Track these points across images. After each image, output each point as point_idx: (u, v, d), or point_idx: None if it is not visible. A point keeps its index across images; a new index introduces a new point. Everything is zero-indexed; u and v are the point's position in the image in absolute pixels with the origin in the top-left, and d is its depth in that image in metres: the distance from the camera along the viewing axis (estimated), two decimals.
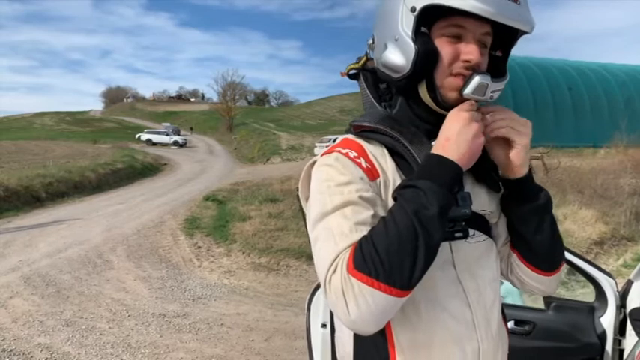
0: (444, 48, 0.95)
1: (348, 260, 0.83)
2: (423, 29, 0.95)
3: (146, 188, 17.51)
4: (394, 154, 1.00)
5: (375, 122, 1.01)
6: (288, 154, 31.00)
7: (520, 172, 0.99)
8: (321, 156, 1.01)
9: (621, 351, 2.11)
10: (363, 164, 0.96)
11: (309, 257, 7.99)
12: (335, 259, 0.85)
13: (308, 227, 0.98)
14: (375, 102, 1.08)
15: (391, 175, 0.98)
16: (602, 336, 2.08)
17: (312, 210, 0.95)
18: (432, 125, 1.01)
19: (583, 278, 2.27)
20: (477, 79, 0.94)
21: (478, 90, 0.94)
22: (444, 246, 0.97)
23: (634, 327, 2.01)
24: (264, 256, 8.14)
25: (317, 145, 29.56)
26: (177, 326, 5.30)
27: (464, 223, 0.99)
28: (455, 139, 0.91)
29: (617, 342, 2.11)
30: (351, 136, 1.05)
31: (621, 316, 2.15)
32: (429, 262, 0.84)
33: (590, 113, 24.99)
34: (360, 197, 0.90)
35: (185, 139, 43.22)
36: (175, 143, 40.83)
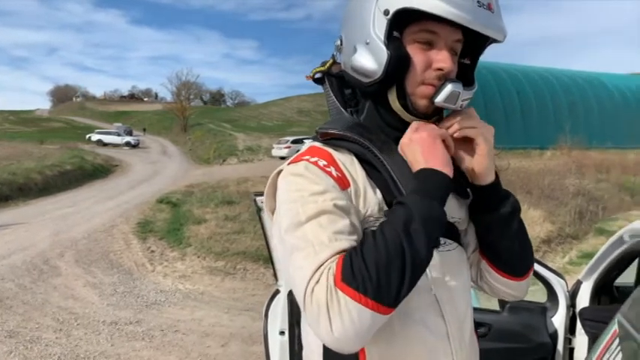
0: (416, 55, 0.93)
1: (336, 273, 0.79)
2: (395, 34, 0.93)
3: (97, 190, 16.91)
4: (363, 162, 0.96)
5: (343, 129, 0.98)
6: (245, 155, 30.71)
7: (487, 178, 0.99)
8: (288, 164, 0.96)
9: (572, 350, 2.17)
10: (334, 173, 0.92)
11: (267, 260, 7.93)
12: (317, 270, 0.80)
13: (276, 238, 0.94)
14: (341, 108, 1.05)
15: (361, 183, 0.94)
16: (554, 335, 2.14)
17: (283, 220, 0.89)
18: (401, 132, 0.98)
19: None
20: (449, 88, 0.93)
21: (450, 98, 0.94)
22: None
23: (583, 326, 2.08)
24: (221, 260, 8.00)
25: (275, 146, 29.44)
26: (129, 334, 5.12)
27: None
28: (416, 152, 0.91)
29: (568, 341, 2.17)
30: (318, 144, 1.01)
31: (571, 315, 2.21)
32: (417, 278, 0.82)
33: (537, 116, 25.96)
34: (335, 206, 0.87)
35: (138, 140, 42.08)
36: (127, 144, 39.67)
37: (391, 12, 0.89)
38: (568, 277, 2.40)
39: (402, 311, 0.90)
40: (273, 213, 1.01)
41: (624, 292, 2.09)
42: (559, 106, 26.80)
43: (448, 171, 0.89)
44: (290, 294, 2.33)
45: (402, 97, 0.96)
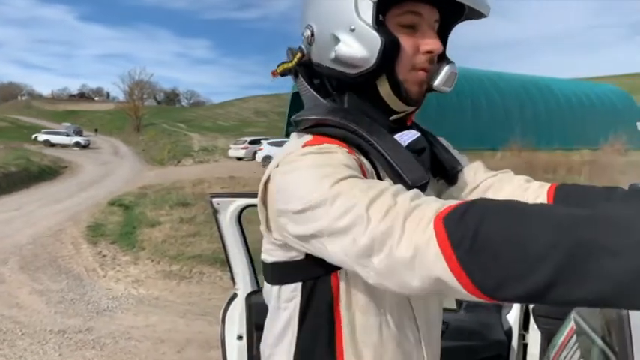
0: (404, 39, 0.86)
1: (444, 209, 0.61)
2: (380, 17, 0.85)
3: (44, 193, 16.18)
4: (355, 148, 0.87)
5: (326, 114, 0.89)
6: (200, 156, 30.19)
7: None
8: (303, 146, 0.84)
9: (525, 345, 2.23)
10: (356, 158, 0.82)
11: (224, 263, 7.73)
12: (375, 198, 0.67)
13: (289, 216, 0.79)
14: (317, 96, 0.95)
15: (369, 173, 0.86)
16: (509, 332, 2.18)
17: (309, 185, 0.75)
18: (386, 121, 0.93)
19: None
20: (447, 69, 0.90)
21: (448, 80, 0.90)
22: None
23: (536, 322, 2.13)
24: (176, 264, 7.80)
25: (232, 146, 29.11)
26: (79, 343, 4.91)
27: None
28: None
29: (522, 337, 2.22)
30: (309, 137, 0.89)
31: (524, 311, 2.27)
32: (546, 290, 0.52)
33: (488, 118, 26.78)
34: (364, 181, 0.75)
35: (88, 140, 40.73)
36: (77, 144, 38.31)
37: None
38: None
39: (379, 313, 0.88)
40: (264, 205, 0.88)
41: None
42: (509, 109, 27.73)
43: None
44: (248, 298, 2.29)
45: (394, 84, 0.88)
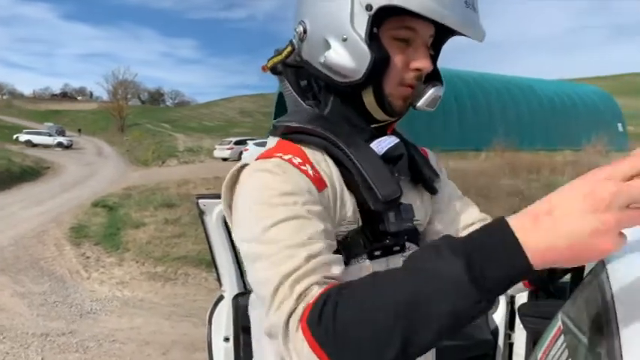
0: (395, 54, 0.86)
1: (306, 309, 0.66)
2: (374, 30, 0.84)
3: (26, 194, 15.91)
4: (332, 158, 0.88)
5: (305, 122, 0.89)
6: (185, 157, 29.98)
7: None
8: (256, 159, 0.85)
9: (511, 345, 2.25)
10: (310, 172, 0.82)
11: (209, 265, 7.75)
12: (280, 284, 0.70)
13: (238, 239, 0.83)
14: (300, 100, 0.95)
15: (338, 184, 0.86)
16: (495, 332, 2.20)
17: (244, 224, 0.80)
18: (368, 128, 0.93)
19: None
20: (431, 92, 0.90)
21: (431, 103, 0.90)
22: (381, 262, 0.90)
23: (522, 322, 2.15)
24: (161, 265, 7.74)
25: (217, 147, 28.98)
26: (62, 346, 4.84)
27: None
28: (565, 220, 0.53)
29: (508, 336, 2.24)
30: (281, 139, 0.91)
31: (509, 311, 2.29)
32: None
33: (472, 119, 27.01)
34: (308, 211, 0.77)
35: (71, 140, 40.20)
36: (60, 144, 37.77)
37: (375, 8, 0.81)
38: None
39: None
40: (230, 209, 0.91)
41: (559, 288, 2.19)
42: (493, 110, 27.99)
43: (547, 263, 0.55)
44: (235, 299, 2.28)
45: (379, 97, 0.88)
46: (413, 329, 0.57)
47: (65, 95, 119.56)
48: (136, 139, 39.67)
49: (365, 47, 0.83)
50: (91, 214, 11.71)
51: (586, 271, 1.84)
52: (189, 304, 6.32)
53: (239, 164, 0.89)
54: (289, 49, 0.95)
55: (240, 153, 25.73)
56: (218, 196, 2.26)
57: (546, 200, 0.56)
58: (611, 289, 0.76)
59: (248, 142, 26.71)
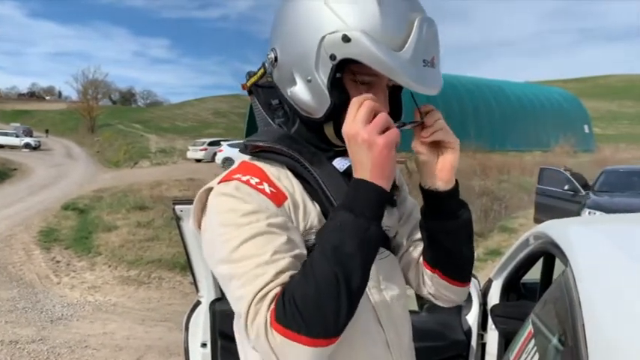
0: (355, 95, 0.88)
1: (271, 313, 0.77)
2: (337, 74, 0.89)
3: None
4: (295, 175, 0.94)
5: (271, 141, 0.95)
6: (158, 158, 29.54)
7: (452, 181, 0.97)
8: (219, 183, 0.92)
9: (484, 345, 2.30)
10: (267, 190, 0.89)
11: (183, 268, 7.68)
12: (253, 299, 0.78)
13: (211, 263, 0.90)
14: (269, 119, 1.01)
15: (299, 196, 0.92)
16: (468, 333, 2.25)
17: (216, 246, 0.86)
18: (331, 150, 0.98)
19: None
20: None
21: None
22: None
23: (494, 322, 2.21)
24: (134, 269, 7.64)
25: (190, 148, 28.62)
26: (32, 353, 4.74)
27: None
28: (363, 158, 0.82)
29: (480, 337, 2.30)
30: (248, 159, 0.97)
31: (482, 312, 2.34)
32: (355, 304, 0.79)
33: (444, 120, 27.38)
34: (270, 225, 0.84)
35: (39, 141, 39.13)
36: (27, 145, 36.72)
37: (338, 58, 0.85)
38: (476, 273, 2.55)
39: None
40: (199, 226, 0.97)
41: (529, 289, 2.26)
42: (464, 111, 28.44)
43: (388, 186, 0.84)
44: (212, 305, 2.27)
45: (338, 131, 0.93)
46: (347, 271, 0.77)
47: (33, 95, 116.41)
48: (106, 140, 38.85)
49: (326, 92, 0.88)
50: (61, 218, 11.46)
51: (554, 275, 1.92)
52: (163, 308, 6.25)
53: (205, 187, 0.95)
54: (262, 71, 1.00)
55: (214, 154, 25.50)
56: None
57: (353, 160, 0.84)
58: (577, 291, 0.80)
59: (222, 142, 26.47)
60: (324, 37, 0.85)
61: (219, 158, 24.41)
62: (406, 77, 0.84)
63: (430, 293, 1.07)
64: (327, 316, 0.76)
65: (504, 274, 2.22)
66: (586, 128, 33.90)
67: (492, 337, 2.25)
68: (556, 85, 56.92)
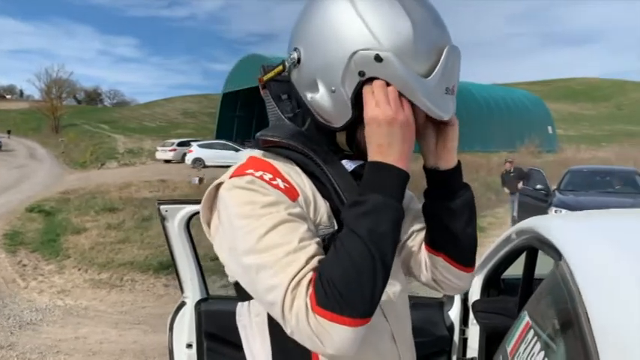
0: None
1: (311, 297, 0.78)
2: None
3: None
4: (307, 172, 0.95)
5: (286, 137, 0.95)
6: (126, 158, 28.98)
7: (454, 159, 0.98)
8: (230, 177, 0.91)
9: (465, 340, 2.36)
10: (281, 185, 0.89)
11: (157, 270, 7.57)
12: (289, 287, 0.79)
13: (229, 257, 0.90)
14: (282, 115, 1.01)
15: (310, 193, 0.93)
16: (451, 328, 2.30)
17: (238, 240, 0.85)
18: (340, 152, 0.99)
19: None
20: None
21: None
22: None
23: (476, 317, 2.26)
24: (105, 272, 7.47)
25: (159, 148, 28.16)
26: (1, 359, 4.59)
27: None
28: (387, 140, 0.84)
29: (462, 332, 2.35)
30: (257, 154, 0.97)
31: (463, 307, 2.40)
32: (387, 280, 0.82)
33: None
34: (290, 214, 0.85)
35: (0, 142, 37.80)
36: None
37: (366, 76, 0.85)
38: None
39: None
40: (209, 225, 0.97)
41: (509, 284, 2.32)
42: None
43: (408, 167, 0.86)
44: (197, 305, 2.26)
45: (350, 140, 0.96)
46: (382, 250, 0.79)
47: None
48: (72, 141, 37.80)
49: (349, 106, 0.89)
50: (26, 220, 11.11)
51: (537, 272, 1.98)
52: (137, 310, 6.14)
53: (215, 182, 0.94)
54: (280, 67, 0.98)
55: (184, 155, 25.16)
56: (180, 202, 2.25)
57: (374, 142, 0.85)
58: (575, 282, 0.85)
59: (192, 143, 26.13)
60: (355, 53, 0.85)
61: (189, 159, 24.10)
62: (429, 104, 0.86)
63: (434, 279, 1.07)
64: (367, 296, 0.78)
65: (485, 270, 2.28)
66: (549, 129, 34.93)
67: (474, 331, 2.31)
68: (521, 87, 58.36)
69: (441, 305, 2.37)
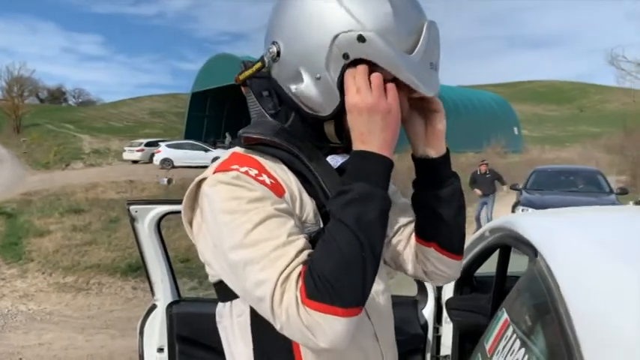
0: None
1: (301, 289, 0.76)
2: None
3: None
4: (292, 170, 0.93)
5: (271, 135, 0.93)
6: (92, 159, 28.30)
7: (443, 146, 0.98)
8: (214, 173, 0.88)
9: (439, 337, 2.38)
10: (267, 181, 0.87)
11: (125, 272, 7.41)
12: (278, 281, 0.77)
13: (214, 254, 0.88)
14: (264, 112, 0.99)
15: (296, 190, 0.91)
16: (425, 326, 2.31)
17: (224, 233, 0.83)
18: (325, 147, 0.98)
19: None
20: None
21: None
22: None
23: (449, 315, 2.29)
24: (71, 275, 7.27)
25: (126, 149, 27.61)
26: None
27: None
28: (367, 128, 0.83)
29: (436, 330, 2.37)
30: (240, 150, 0.94)
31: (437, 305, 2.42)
32: (377, 270, 0.81)
33: None
34: (277, 209, 0.83)
35: None
36: None
37: (351, 58, 0.85)
38: None
39: None
40: (191, 224, 0.94)
41: (482, 282, 2.35)
42: None
43: (391, 154, 0.86)
44: (169, 308, 2.21)
45: (339, 129, 0.94)
46: (371, 239, 0.79)
47: None
48: (35, 141, 36.63)
49: (336, 91, 0.87)
50: None
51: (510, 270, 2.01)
52: (104, 315, 5.99)
53: (197, 179, 0.92)
54: (259, 64, 0.96)
55: (152, 155, 24.73)
56: (150, 202, 2.20)
57: (356, 130, 0.85)
58: (553, 277, 0.86)
59: (160, 143, 25.70)
60: (337, 36, 0.84)
61: (157, 159, 23.70)
62: (416, 79, 0.85)
63: (425, 271, 1.07)
64: (358, 285, 0.78)
65: None
66: (515, 130, 35.79)
67: (447, 329, 2.33)
68: (487, 89, 59.65)
69: (415, 304, 2.38)
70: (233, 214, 0.83)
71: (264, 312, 0.79)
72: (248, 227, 0.81)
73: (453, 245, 1.03)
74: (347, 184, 0.83)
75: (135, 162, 26.14)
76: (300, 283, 0.77)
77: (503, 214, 9.22)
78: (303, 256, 0.80)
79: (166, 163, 23.28)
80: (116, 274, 7.21)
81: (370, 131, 0.83)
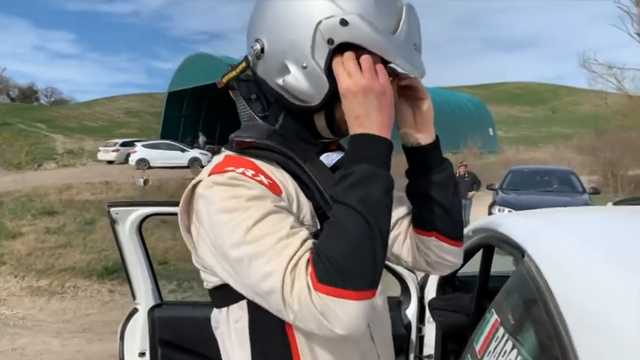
0: None
1: (311, 275, 0.76)
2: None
3: None
4: (288, 172, 0.93)
5: (263, 138, 0.92)
6: (65, 159, 27.69)
7: (433, 133, 0.99)
8: (209, 175, 0.87)
9: (422, 337, 2.39)
10: (265, 181, 0.86)
11: (101, 275, 7.27)
12: (286, 269, 0.76)
13: (214, 256, 0.86)
14: (254, 115, 0.99)
15: (293, 191, 0.91)
16: (408, 327, 2.33)
17: (224, 232, 0.82)
18: (317, 144, 0.98)
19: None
20: None
21: None
22: None
23: (432, 315, 2.31)
24: (44, 278, 7.10)
25: (101, 149, 27.11)
26: None
27: None
28: (364, 110, 0.83)
29: (419, 330, 2.39)
30: (234, 154, 0.93)
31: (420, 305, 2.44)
32: (386, 249, 0.81)
33: None
34: (278, 207, 0.83)
35: None
36: None
37: (336, 43, 0.85)
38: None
39: None
40: (188, 231, 0.93)
41: (463, 282, 2.38)
42: None
43: (389, 135, 0.86)
44: (150, 312, 2.18)
45: (330, 120, 0.94)
46: (377, 218, 0.78)
47: None
48: (5, 141, 35.67)
49: (324, 77, 0.88)
50: None
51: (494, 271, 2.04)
52: (80, 319, 5.87)
53: (192, 183, 0.90)
54: (244, 64, 0.96)
55: (128, 155, 24.35)
56: (131, 204, 2.16)
57: (351, 115, 0.84)
58: (542, 275, 0.87)
59: (136, 143, 25.31)
60: (320, 22, 0.85)
61: (132, 159, 23.34)
62: (403, 59, 0.87)
63: (427, 262, 1.07)
64: (368, 266, 0.77)
65: None
66: (490, 131, 36.35)
67: (430, 329, 2.35)
68: (463, 90, 60.40)
69: (398, 304, 2.39)
70: (233, 212, 0.82)
71: (275, 304, 0.78)
72: (249, 224, 0.80)
73: (453, 231, 1.03)
74: (348, 168, 0.82)
75: (110, 162, 25.70)
76: (310, 268, 0.76)
77: (481, 213, 9.36)
78: (309, 244, 0.80)
79: (142, 163, 22.94)
80: (92, 277, 7.07)
81: (367, 113, 0.83)
